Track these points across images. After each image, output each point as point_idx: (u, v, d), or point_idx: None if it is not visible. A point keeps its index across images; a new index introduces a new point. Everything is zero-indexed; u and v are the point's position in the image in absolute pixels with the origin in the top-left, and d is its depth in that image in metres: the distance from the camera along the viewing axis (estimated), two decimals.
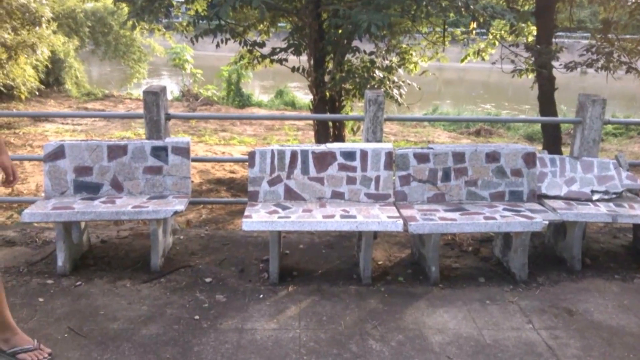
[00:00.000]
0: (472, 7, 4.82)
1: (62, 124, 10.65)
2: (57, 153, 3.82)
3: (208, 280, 3.50)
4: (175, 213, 3.53)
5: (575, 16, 7.94)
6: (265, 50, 6.97)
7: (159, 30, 8.12)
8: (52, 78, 14.28)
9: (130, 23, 5.92)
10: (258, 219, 3.39)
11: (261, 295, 3.31)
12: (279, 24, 7.95)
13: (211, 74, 16.10)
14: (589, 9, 12.82)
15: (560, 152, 6.20)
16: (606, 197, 3.99)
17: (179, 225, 4.67)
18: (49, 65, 13.26)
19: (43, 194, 3.94)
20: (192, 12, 6.81)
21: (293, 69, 6.72)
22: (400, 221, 3.42)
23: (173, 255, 3.89)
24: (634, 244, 4.24)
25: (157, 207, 3.53)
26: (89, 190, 3.84)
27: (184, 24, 7.34)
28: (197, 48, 8.33)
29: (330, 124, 6.50)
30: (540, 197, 3.99)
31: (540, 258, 3.99)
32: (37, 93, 12.38)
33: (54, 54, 13.24)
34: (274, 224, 3.35)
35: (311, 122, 8.83)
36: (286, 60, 6.79)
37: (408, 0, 4.90)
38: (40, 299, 3.21)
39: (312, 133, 7.99)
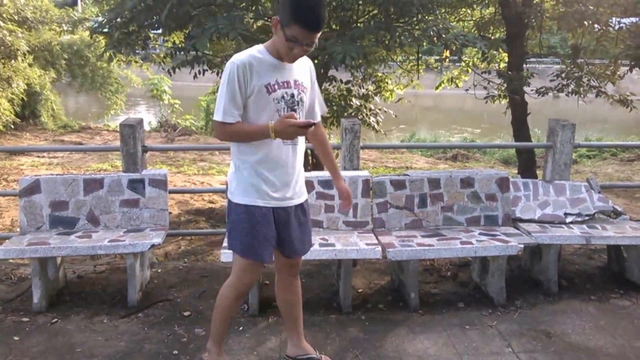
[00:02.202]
0: (444, 36, 4.95)
1: (38, 157, 10.52)
2: (33, 188, 3.79)
3: (187, 313, 3.46)
4: (153, 246, 3.51)
5: (545, 42, 8.17)
6: None
7: (136, 62, 8.13)
8: (28, 111, 14.14)
9: (107, 55, 5.94)
10: None
11: (241, 328, 3.28)
12: None
13: (189, 104, 16.11)
14: (559, 35, 13.20)
15: (535, 175, 6.32)
16: (579, 219, 4.07)
17: (157, 258, 4.63)
18: (25, 98, 13.15)
19: (18, 230, 3.89)
20: (170, 44, 6.85)
21: None
22: (379, 248, 3.44)
23: (151, 289, 3.85)
24: (608, 265, 4.32)
25: (134, 240, 3.50)
26: (65, 224, 3.80)
27: (162, 55, 7.37)
28: (175, 79, 8.36)
29: (309, 152, 6.54)
30: (515, 221, 4.05)
31: (517, 281, 4.03)
32: (12, 126, 12.25)
33: (30, 87, 13.14)
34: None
35: None
36: None
37: (382, 30, 5.01)
38: (16, 338, 3.14)
39: None
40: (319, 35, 2.29)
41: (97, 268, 4.24)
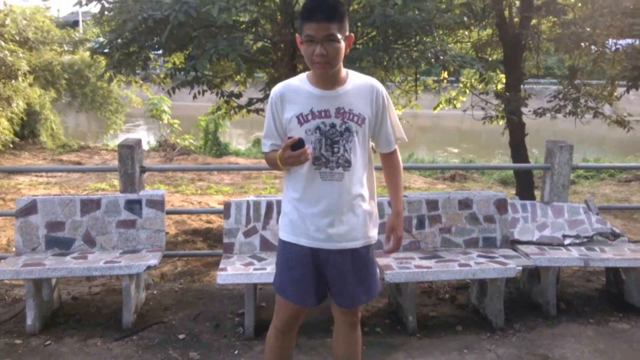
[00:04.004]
0: (441, 57, 4.98)
1: (36, 176, 10.51)
2: (29, 208, 3.78)
3: (181, 336, 3.43)
4: (149, 268, 3.49)
5: (543, 64, 8.22)
6: (243, 100, 7.05)
7: (136, 82, 8.17)
8: (27, 130, 14.16)
9: (107, 75, 5.97)
10: (233, 271, 3.36)
11: (236, 351, 3.25)
12: (256, 75, 8.08)
13: (189, 124, 16.16)
14: (556, 57, 13.30)
15: (533, 197, 6.31)
16: (577, 241, 4.06)
17: (153, 279, 4.59)
18: (24, 118, 13.18)
19: (14, 250, 3.87)
20: (170, 65, 6.89)
21: None
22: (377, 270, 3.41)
23: (146, 311, 3.81)
24: (607, 287, 4.29)
25: (130, 262, 3.48)
26: (61, 245, 3.78)
27: (162, 75, 7.41)
28: (174, 99, 8.38)
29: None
30: (513, 243, 4.04)
31: (516, 304, 4.00)
32: (11, 145, 12.26)
33: (30, 106, 13.17)
34: (249, 277, 3.33)
35: None
36: (263, 110, 6.87)
37: (380, 52, 5.04)
38: None
39: None
40: (331, 27, 2.11)
41: (92, 289, 4.21)
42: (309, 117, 2.24)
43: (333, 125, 2.24)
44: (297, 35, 2.23)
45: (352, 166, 2.27)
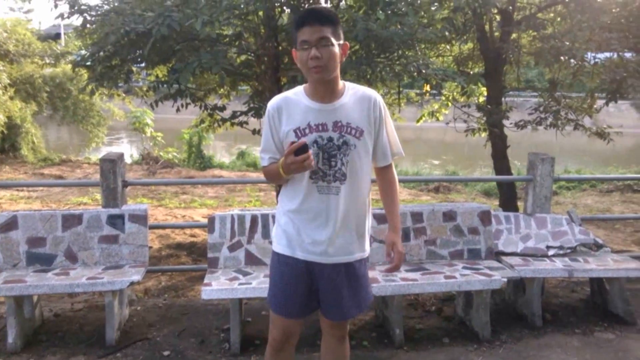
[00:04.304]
0: (424, 71, 5.02)
1: (17, 190, 10.36)
2: (10, 224, 3.71)
3: (166, 353, 3.38)
4: (132, 284, 3.44)
5: (523, 77, 8.33)
6: (226, 113, 7.03)
7: (118, 95, 8.11)
8: (8, 144, 13.98)
9: (89, 88, 5.92)
10: (218, 286, 3.33)
11: None
12: (240, 88, 8.07)
13: (172, 137, 16.07)
14: (536, 70, 13.50)
15: (516, 208, 6.36)
16: (561, 252, 4.09)
17: (137, 294, 4.53)
18: (5, 131, 13.01)
19: None
20: (153, 78, 6.85)
21: (254, 132, 6.77)
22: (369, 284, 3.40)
23: (130, 327, 3.76)
24: (591, 298, 4.33)
25: (113, 278, 3.43)
26: (42, 261, 3.71)
27: (144, 88, 7.37)
28: (157, 111, 8.34)
29: None
30: (497, 254, 4.06)
31: (501, 315, 4.02)
32: None
33: (10, 120, 13.00)
34: (234, 291, 3.30)
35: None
36: (247, 122, 6.85)
37: (363, 65, 5.08)
38: None
39: (274, 194, 7.91)
40: (325, 30, 2.11)
41: (75, 306, 4.14)
42: (307, 130, 2.21)
43: (330, 139, 2.22)
44: (293, 50, 2.23)
45: (349, 180, 2.25)
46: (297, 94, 2.28)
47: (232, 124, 7.01)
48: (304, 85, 2.31)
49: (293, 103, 2.25)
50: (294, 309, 2.34)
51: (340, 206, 2.25)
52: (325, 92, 2.23)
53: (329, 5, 5.46)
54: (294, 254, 2.29)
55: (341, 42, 2.19)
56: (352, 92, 2.28)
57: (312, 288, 2.33)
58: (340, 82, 2.27)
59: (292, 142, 2.14)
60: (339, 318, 2.39)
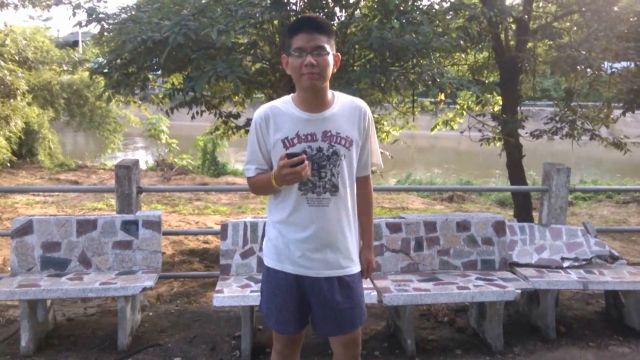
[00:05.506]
0: (438, 80, 5.01)
1: (33, 195, 10.48)
2: (25, 228, 3.76)
3: (177, 359, 3.38)
4: (144, 289, 3.46)
5: (539, 86, 8.28)
6: (241, 120, 7.07)
7: (134, 102, 8.20)
8: (25, 149, 14.17)
9: (106, 95, 5.98)
10: (229, 293, 3.33)
11: None
12: (254, 95, 8.11)
13: (187, 144, 16.18)
14: (552, 79, 13.41)
15: (531, 218, 6.30)
16: (576, 263, 4.04)
17: (149, 300, 4.55)
18: (22, 137, 13.20)
19: (9, 270, 3.84)
20: (168, 85, 6.92)
21: None
22: (375, 292, 3.39)
23: (141, 333, 3.77)
24: (606, 310, 4.26)
25: (126, 283, 3.45)
26: (57, 266, 3.75)
27: (160, 96, 7.44)
28: (173, 118, 8.41)
29: None
30: (511, 265, 4.02)
31: (515, 327, 3.97)
32: (8, 164, 12.25)
33: (28, 126, 13.21)
34: (245, 299, 3.30)
35: None
36: None
37: (378, 74, 5.08)
38: None
39: None
40: (321, 39, 2.10)
41: (88, 310, 4.16)
42: (295, 140, 2.17)
43: (320, 149, 2.17)
44: (283, 55, 2.19)
45: (339, 191, 2.20)
46: (286, 103, 2.23)
47: (247, 132, 7.04)
48: (291, 94, 2.25)
49: (281, 112, 2.20)
50: (287, 326, 2.29)
51: (330, 218, 2.21)
52: (315, 101, 2.19)
53: (343, 14, 5.47)
54: (283, 268, 2.24)
55: (334, 52, 2.17)
56: (341, 101, 2.24)
57: (303, 302, 2.27)
58: (330, 92, 2.23)
59: (287, 154, 2.08)
60: (330, 333, 2.32)
